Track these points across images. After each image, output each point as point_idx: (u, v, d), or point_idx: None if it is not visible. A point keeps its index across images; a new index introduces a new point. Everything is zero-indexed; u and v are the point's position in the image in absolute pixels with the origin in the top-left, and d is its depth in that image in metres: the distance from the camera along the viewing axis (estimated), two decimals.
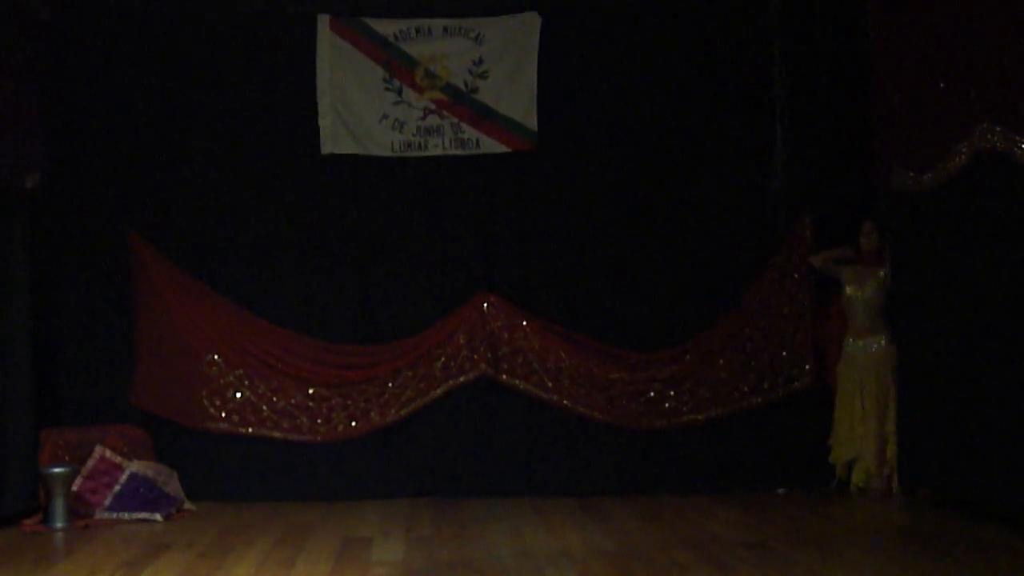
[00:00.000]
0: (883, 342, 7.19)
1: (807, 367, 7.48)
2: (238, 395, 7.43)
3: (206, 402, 7.41)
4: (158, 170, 7.48)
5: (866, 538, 6.10)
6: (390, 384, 7.44)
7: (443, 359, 7.41)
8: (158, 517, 6.77)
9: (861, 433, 7.19)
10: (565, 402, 7.43)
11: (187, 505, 7.08)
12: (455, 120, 7.57)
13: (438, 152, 7.55)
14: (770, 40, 7.55)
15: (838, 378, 7.36)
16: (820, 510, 6.80)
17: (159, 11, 7.45)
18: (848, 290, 7.26)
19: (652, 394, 7.46)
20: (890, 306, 7.15)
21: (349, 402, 7.44)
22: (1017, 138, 5.61)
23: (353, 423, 7.43)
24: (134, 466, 6.96)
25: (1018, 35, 5.57)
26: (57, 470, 6.71)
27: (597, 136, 7.59)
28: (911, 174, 6.68)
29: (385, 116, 7.56)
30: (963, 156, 6.10)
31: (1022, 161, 5.60)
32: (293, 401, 7.43)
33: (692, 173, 7.57)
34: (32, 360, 6.94)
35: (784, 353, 7.49)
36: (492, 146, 7.55)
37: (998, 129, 5.76)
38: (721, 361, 7.47)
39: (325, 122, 7.52)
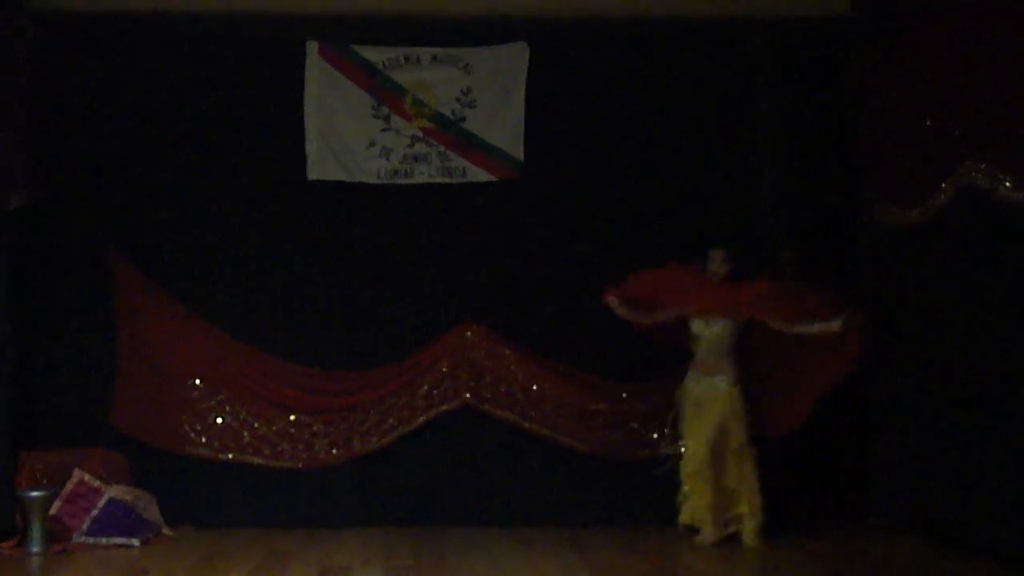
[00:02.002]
0: (726, 383, 6.78)
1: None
2: (219, 420, 7.39)
3: (186, 427, 7.37)
4: (143, 192, 7.46)
5: (846, 571, 6.09)
6: (372, 411, 7.42)
7: (426, 387, 7.38)
8: (136, 543, 6.71)
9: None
10: (547, 432, 7.41)
11: (165, 531, 7.03)
12: (442, 148, 7.58)
13: (424, 180, 7.56)
14: (755, 74, 7.61)
15: (682, 412, 6.98)
16: (799, 541, 6.80)
17: (146, 33, 7.45)
18: (695, 326, 6.85)
19: (635, 425, 7.45)
20: (740, 346, 6.86)
21: (331, 429, 7.41)
22: (1001, 175, 5.67)
23: (334, 450, 7.39)
24: (113, 490, 6.90)
25: (1003, 74, 5.64)
26: (35, 493, 6.66)
27: (583, 166, 7.61)
28: (896, 209, 6.73)
29: (372, 143, 7.57)
30: (947, 192, 6.16)
31: (1005, 198, 5.65)
32: (274, 427, 7.38)
33: (677, 205, 7.59)
34: (11, 382, 6.90)
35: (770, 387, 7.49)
36: (478, 175, 7.57)
37: (982, 166, 5.82)
38: None
39: (312, 148, 7.52)
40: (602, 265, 7.51)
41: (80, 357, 7.39)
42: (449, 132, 7.59)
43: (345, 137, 7.54)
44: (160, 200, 7.47)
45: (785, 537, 6.84)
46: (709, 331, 6.82)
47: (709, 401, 6.79)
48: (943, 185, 6.16)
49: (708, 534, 6.71)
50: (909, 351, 6.83)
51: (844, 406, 7.41)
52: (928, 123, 6.34)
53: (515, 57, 7.57)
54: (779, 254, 7.38)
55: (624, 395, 7.46)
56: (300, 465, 7.35)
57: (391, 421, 7.41)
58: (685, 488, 6.86)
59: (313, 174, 7.50)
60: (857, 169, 7.29)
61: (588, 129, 7.63)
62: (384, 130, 7.57)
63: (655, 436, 7.41)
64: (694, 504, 6.80)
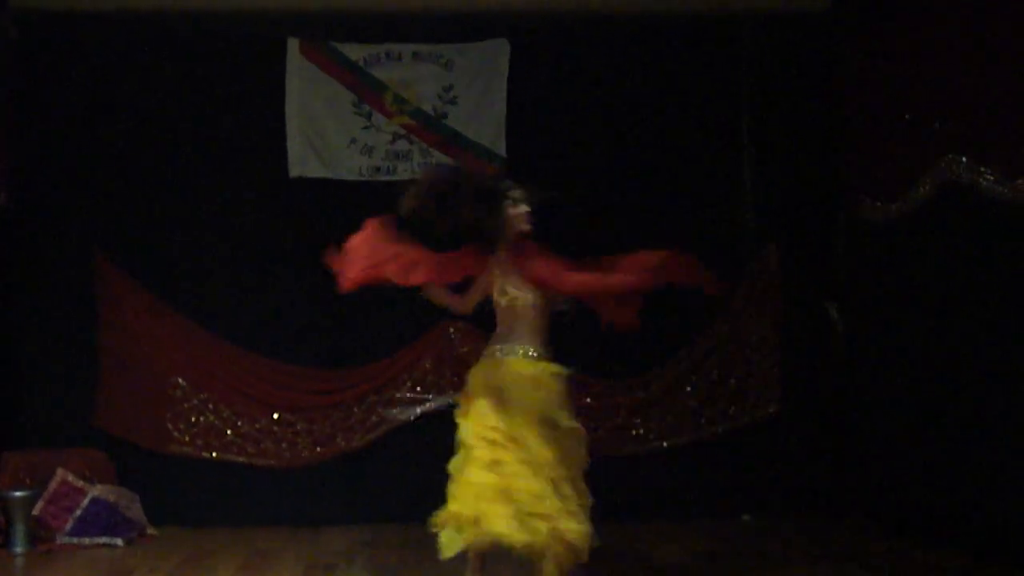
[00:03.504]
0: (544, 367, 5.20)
1: (774, 394, 7.52)
2: (202, 418, 7.38)
3: (169, 425, 7.36)
4: (124, 191, 7.44)
5: (828, 564, 6.12)
6: (355, 409, 7.42)
7: (409, 384, 7.39)
8: (120, 542, 6.70)
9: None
10: None
11: (149, 530, 7.02)
12: (424, 145, 7.59)
13: (407, 176, 7.51)
14: (738, 70, 7.64)
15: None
16: (785, 537, 6.83)
17: (127, 32, 7.43)
18: (499, 296, 5.20)
19: (619, 420, 7.48)
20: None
21: (314, 427, 7.41)
22: (982, 169, 5.72)
23: (318, 448, 7.39)
24: (96, 490, 6.89)
25: (983, 68, 5.67)
26: (18, 494, 6.64)
27: (565, 163, 7.62)
28: (877, 204, 6.76)
29: (354, 140, 7.57)
30: (928, 186, 6.20)
31: (987, 192, 5.69)
32: (257, 425, 7.38)
33: (659, 201, 7.61)
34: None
35: (751, 380, 7.53)
36: None
37: (963, 160, 5.86)
38: (688, 388, 7.51)
39: (293, 145, 7.51)
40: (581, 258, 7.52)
41: (62, 356, 7.37)
42: (431, 129, 7.59)
43: (326, 134, 7.54)
44: (142, 199, 7.46)
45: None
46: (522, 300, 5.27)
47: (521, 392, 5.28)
48: (924, 179, 6.20)
49: None
50: (889, 345, 6.86)
51: (821, 400, 7.49)
52: (908, 117, 6.37)
53: (496, 53, 7.58)
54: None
55: (608, 391, 7.48)
56: (283, 463, 7.36)
57: (374, 418, 7.42)
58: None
59: (295, 171, 7.50)
60: (839, 163, 7.32)
61: (570, 125, 7.64)
62: (365, 127, 7.57)
63: (638, 432, 7.46)
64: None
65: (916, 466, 6.50)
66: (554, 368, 5.15)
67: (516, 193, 5.20)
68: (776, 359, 7.54)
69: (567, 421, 5.05)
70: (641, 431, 7.49)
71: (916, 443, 6.50)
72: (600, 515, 7.23)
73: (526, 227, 5.20)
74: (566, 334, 7.45)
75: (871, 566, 6.01)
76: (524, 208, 5.19)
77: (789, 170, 7.61)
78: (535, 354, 5.16)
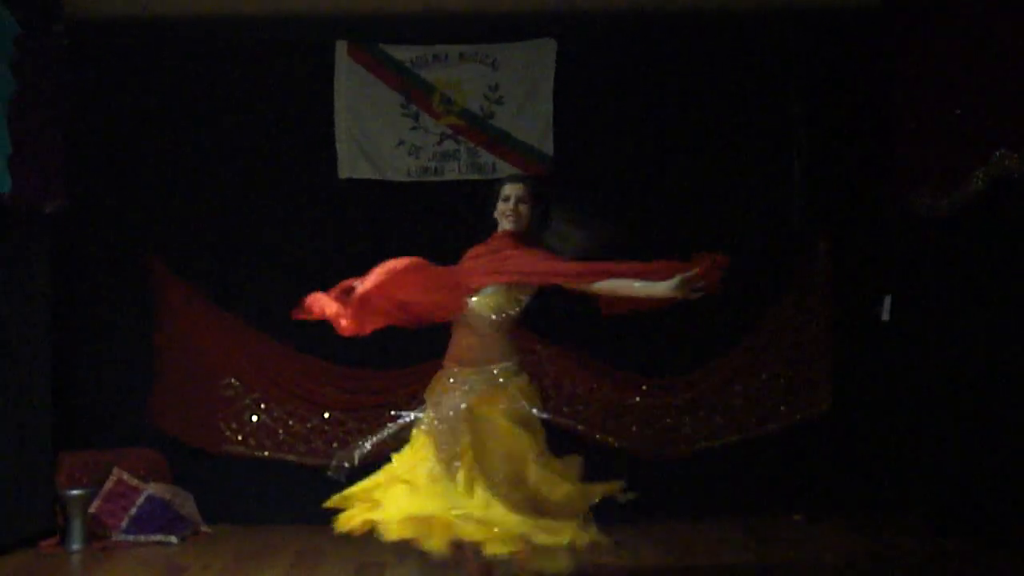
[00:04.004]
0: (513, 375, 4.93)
1: (825, 391, 7.45)
2: (254, 418, 7.45)
3: (222, 425, 7.44)
4: (178, 194, 7.54)
5: (883, 565, 6.04)
6: (406, 408, 7.44)
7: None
8: (174, 540, 6.79)
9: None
10: (580, 428, 7.42)
11: (203, 528, 7.11)
12: (471, 145, 7.61)
13: (454, 176, 7.59)
14: (787, 65, 7.57)
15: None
16: (838, 537, 6.77)
17: (178, 38, 7.52)
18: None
19: (668, 420, 7.44)
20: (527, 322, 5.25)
21: (364, 426, 7.43)
22: None
23: (369, 447, 7.42)
24: (151, 488, 6.99)
25: None
26: (75, 492, 6.75)
27: (612, 161, 7.61)
28: (927, 200, 6.68)
29: (402, 141, 7.60)
30: (979, 182, 6.11)
31: None
32: (309, 424, 7.44)
33: (708, 197, 7.57)
34: (51, 383, 7.00)
35: (802, 378, 7.46)
36: (508, 170, 7.56)
37: (1015, 155, 5.77)
38: (738, 387, 7.46)
39: (342, 147, 7.56)
40: (633, 258, 7.49)
41: (118, 358, 7.48)
42: (478, 129, 7.61)
43: (375, 136, 7.58)
44: (196, 202, 7.54)
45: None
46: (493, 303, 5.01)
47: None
48: (975, 174, 6.11)
49: None
50: (942, 341, 6.77)
51: (875, 397, 7.41)
52: (959, 111, 6.29)
53: (542, 52, 7.57)
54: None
55: (657, 390, 7.45)
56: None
57: None
58: None
59: (344, 173, 7.55)
60: (889, 158, 7.23)
61: (617, 122, 7.62)
62: (413, 128, 7.60)
63: (687, 432, 7.43)
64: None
65: (971, 464, 6.41)
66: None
67: (506, 187, 5.03)
68: (827, 356, 7.46)
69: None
70: (690, 430, 7.45)
71: (970, 441, 6.42)
72: (651, 516, 7.29)
73: (507, 223, 4.99)
74: (615, 334, 7.49)
75: (923, 566, 5.94)
76: (510, 203, 4.97)
77: (840, 165, 7.53)
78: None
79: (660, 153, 7.60)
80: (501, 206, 4.97)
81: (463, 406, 4.83)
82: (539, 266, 4.84)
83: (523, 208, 4.95)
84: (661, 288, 4.72)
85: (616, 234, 4.95)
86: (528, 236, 4.98)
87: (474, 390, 4.86)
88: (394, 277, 4.90)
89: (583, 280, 4.84)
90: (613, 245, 5.26)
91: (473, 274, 4.93)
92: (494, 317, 4.89)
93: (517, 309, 4.93)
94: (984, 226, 6.23)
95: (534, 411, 4.90)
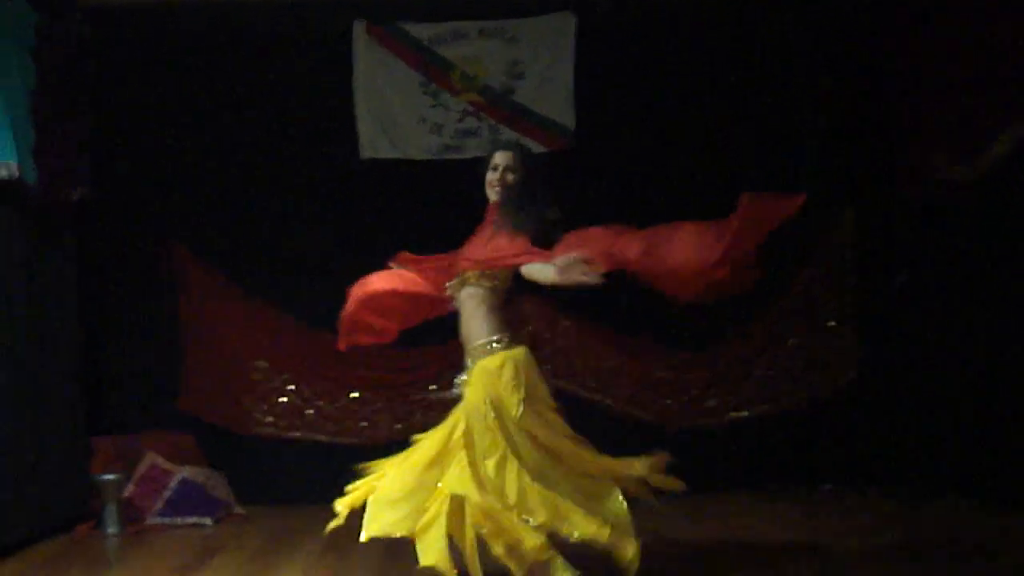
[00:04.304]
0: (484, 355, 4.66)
1: (851, 362, 7.43)
2: (283, 399, 7.50)
3: (252, 407, 7.50)
4: (200, 179, 7.57)
5: (916, 534, 6.02)
6: (433, 387, 7.48)
7: None
8: (208, 521, 6.86)
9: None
10: (608, 401, 7.44)
11: (236, 509, 7.17)
12: (492, 121, 7.60)
13: (476, 153, 7.57)
14: (808, 35, 7.51)
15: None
16: (867, 506, 6.76)
17: (196, 23, 7.53)
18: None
19: (695, 392, 7.45)
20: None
21: (394, 404, 7.49)
22: None
23: (397, 425, 7.47)
24: (184, 471, 7.05)
25: None
26: (109, 477, 6.82)
27: (635, 133, 7.58)
28: (947, 167, 6.63)
29: (423, 119, 7.60)
30: (999, 149, 6.06)
31: None
32: (338, 405, 7.49)
33: (731, 168, 7.53)
34: (83, 370, 7.06)
35: (828, 348, 7.45)
36: (530, 146, 7.54)
37: None
38: (764, 358, 7.45)
39: (363, 127, 7.57)
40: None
41: (147, 345, 7.55)
42: (498, 105, 7.60)
43: (395, 115, 7.58)
44: (218, 187, 7.58)
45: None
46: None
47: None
48: (998, 140, 6.05)
49: None
50: (966, 309, 6.73)
51: (901, 367, 7.37)
52: (979, 78, 6.23)
53: (561, 26, 7.55)
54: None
55: (685, 362, 7.45)
56: (364, 441, 7.45)
57: (450, 395, 7.47)
58: None
59: (366, 153, 7.56)
60: (909, 128, 7.17)
61: (638, 95, 7.59)
62: (433, 106, 7.60)
63: (714, 404, 7.43)
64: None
65: (996, 432, 6.38)
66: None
67: (496, 156, 4.82)
68: (853, 326, 7.44)
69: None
70: (717, 403, 7.45)
71: (995, 408, 6.39)
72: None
73: (492, 194, 4.81)
74: (640, 308, 7.48)
75: (951, 533, 5.93)
76: (497, 172, 4.79)
77: (864, 135, 7.48)
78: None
79: (681, 125, 7.57)
80: (489, 175, 4.82)
81: (455, 391, 4.77)
82: (483, 253, 4.70)
83: (510, 177, 4.76)
84: (548, 273, 4.42)
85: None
86: (512, 205, 4.74)
87: (466, 370, 4.74)
88: (371, 297, 5.09)
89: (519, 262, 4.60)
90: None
91: (438, 273, 4.94)
92: (468, 293, 4.74)
93: (493, 283, 4.72)
94: (1008, 192, 6.17)
95: (512, 392, 4.53)
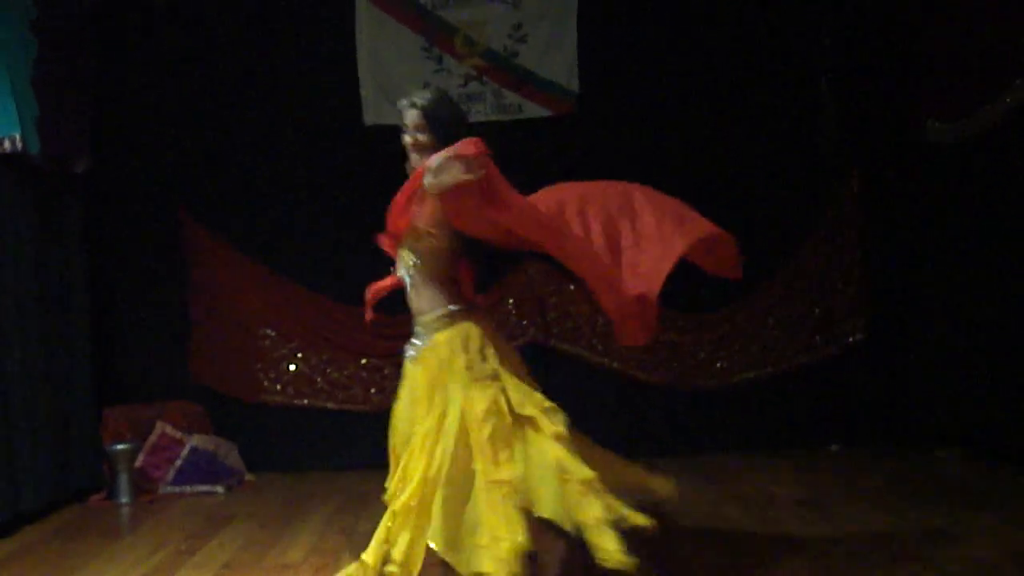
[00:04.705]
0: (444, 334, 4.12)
1: (860, 322, 7.43)
2: (292, 367, 7.53)
3: (261, 375, 7.52)
4: (204, 148, 7.55)
5: (922, 493, 6.05)
6: None
7: (492, 325, 7.40)
8: (220, 489, 6.90)
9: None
10: (616, 364, 7.45)
11: (247, 477, 7.22)
12: (496, 86, 7.55)
13: (480, 119, 7.53)
14: None
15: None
16: (875, 466, 6.78)
17: None
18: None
19: (703, 355, 7.45)
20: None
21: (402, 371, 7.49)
22: None
23: None
24: (194, 440, 7.09)
25: None
26: (120, 447, 6.86)
27: (640, 96, 7.53)
28: (945, 126, 6.60)
29: (426, 84, 7.53)
30: (1000, 109, 6.03)
31: None
32: (346, 372, 7.51)
33: (737, 130, 7.50)
34: (92, 341, 7.09)
35: (836, 309, 7.44)
36: (534, 110, 7.54)
37: None
38: (772, 319, 7.45)
39: (366, 93, 7.53)
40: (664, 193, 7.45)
41: (154, 315, 7.56)
42: (502, 69, 7.55)
43: (398, 80, 7.52)
44: (222, 155, 7.56)
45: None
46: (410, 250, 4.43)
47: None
48: (997, 101, 6.03)
49: None
50: (974, 268, 6.72)
51: (910, 327, 7.37)
52: (980, 37, 6.18)
53: None
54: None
55: (692, 325, 7.45)
56: (373, 408, 7.46)
57: None
58: None
59: (369, 119, 7.52)
60: (911, 87, 7.12)
61: (643, 57, 7.54)
62: (437, 71, 7.56)
63: (723, 366, 7.43)
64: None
65: (1005, 389, 6.38)
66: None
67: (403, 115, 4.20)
68: (862, 285, 7.43)
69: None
70: (726, 364, 7.45)
71: (1003, 366, 6.38)
72: (689, 449, 7.32)
73: (407, 138, 4.18)
74: None
75: (963, 494, 5.95)
76: (406, 134, 4.19)
77: (869, 95, 7.42)
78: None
79: (688, 88, 7.52)
80: (403, 139, 4.23)
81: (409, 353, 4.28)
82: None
83: (422, 138, 4.15)
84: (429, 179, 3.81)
85: None
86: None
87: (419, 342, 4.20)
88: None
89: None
90: None
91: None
92: (408, 261, 4.27)
93: (431, 243, 4.13)
94: (1002, 154, 6.15)
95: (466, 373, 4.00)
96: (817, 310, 7.43)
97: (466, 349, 4.03)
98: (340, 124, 7.52)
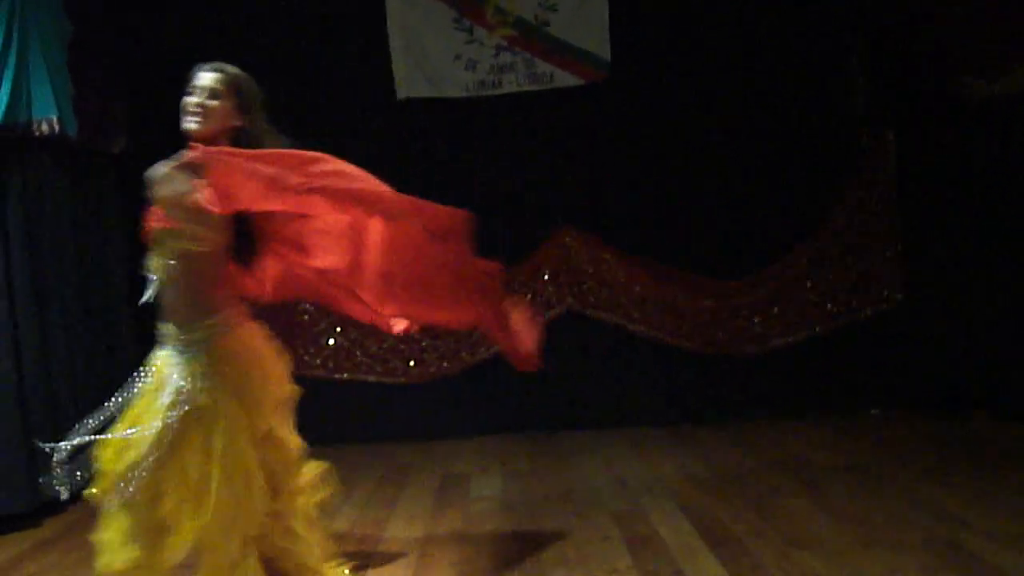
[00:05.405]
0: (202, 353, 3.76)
1: (897, 283, 7.38)
2: (331, 342, 7.59)
3: (300, 350, 7.59)
4: None
5: (965, 457, 6.03)
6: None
7: (529, 296, 7.45)
8: None
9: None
10: (653, 332, 7.45)
11: None
12: (527, 55, 7.53)
13: (512, 89, 7.54)
14: None
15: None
16: (915, 429, 6.76)
17: None
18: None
19: (740, 320, 7.44)
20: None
21: (439, 343, 7.55)
22: None
23: (445, 363, 7.54)
24: None
25: None
26: None
27: (672, 61, 7.49)
28: (982, 83, 6.53)
29: (458, 56, 7.56)
30: None
31: None
32: (385, 345, 7.56)
33: (770, 92, 7.44)
34: (134, 320, 7.17)
35: (872, 271, 7.39)
36: (566, 79, 7.51)
37: None
38: (808, 283, 7.41)
39: (399, 67, 7.53)
40: (694, 162, 7.44)
41: None
42: (533, 38, 7.53)
43: (430, 53, 7.53)
44: None
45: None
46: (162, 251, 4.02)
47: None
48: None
49: None
50: (1011, 229, 6.65)
51: (948, 288, 7.31)
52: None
53: None
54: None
55: (727, 291, 7.44)
56: (412, 379, 7.53)
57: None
58: None
59: (402, 93, 7.52)
60: (948, 45, 7.02)
61: (675, 23, 7.48)
62: (468, 42, 7.55)
63: (759, 331, 7.42)
64: None
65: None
66: None
67: (199, 75, 3.88)
68: (898, 247, 7.37)
69: None
70: (762, 329, 7.44)
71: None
72: (727, 416, 7.33)
73: (187, 121, 3.79)
74: (681, 236, 7.46)
75: (1000, 458, 5.93)
76: (194, 96, 3.81)
77: (905, 54, 7.33)
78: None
79: (720, 53, 7.46)
80: (185, 99, 3.81)
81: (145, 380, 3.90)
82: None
83: (214, 104, 3.82)
84: None
85: None
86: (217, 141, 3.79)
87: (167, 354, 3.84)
88: None
89: None
90: None
91: None
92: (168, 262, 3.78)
93: (191, 243, 3.68)
94: None
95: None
96: (853, 272, 7.39)
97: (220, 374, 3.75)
98: (374, 98, 7.54)
